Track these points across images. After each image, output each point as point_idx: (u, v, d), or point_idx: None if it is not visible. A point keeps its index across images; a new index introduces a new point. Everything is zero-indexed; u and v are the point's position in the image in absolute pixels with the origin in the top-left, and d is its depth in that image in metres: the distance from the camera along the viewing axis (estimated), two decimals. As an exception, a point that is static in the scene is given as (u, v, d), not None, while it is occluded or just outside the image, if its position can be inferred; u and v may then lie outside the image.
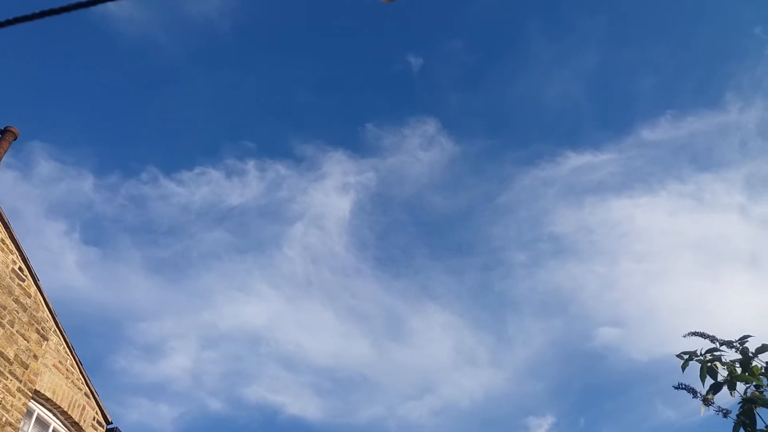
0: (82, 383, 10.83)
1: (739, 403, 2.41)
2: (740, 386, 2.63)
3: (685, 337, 2.76)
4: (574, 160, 34.16)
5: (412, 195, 37.15)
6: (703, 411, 2.44)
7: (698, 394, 2.49)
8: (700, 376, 2.86)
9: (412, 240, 37.39)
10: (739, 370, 2.74)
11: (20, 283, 9.73)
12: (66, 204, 34.38)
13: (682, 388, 2.47)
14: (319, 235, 36.64)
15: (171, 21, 33.06)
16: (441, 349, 36.65)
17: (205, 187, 35.47)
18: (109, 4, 2.27)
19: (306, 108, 36.08)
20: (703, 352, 2.70)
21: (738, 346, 2.69)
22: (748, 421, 2.29)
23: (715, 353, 2.87)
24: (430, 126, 35.24)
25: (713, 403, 2.45)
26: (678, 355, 2.94)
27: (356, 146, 38.04)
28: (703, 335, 2.74)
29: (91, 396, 10.98)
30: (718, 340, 2.71)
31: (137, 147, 37.05)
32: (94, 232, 35.51)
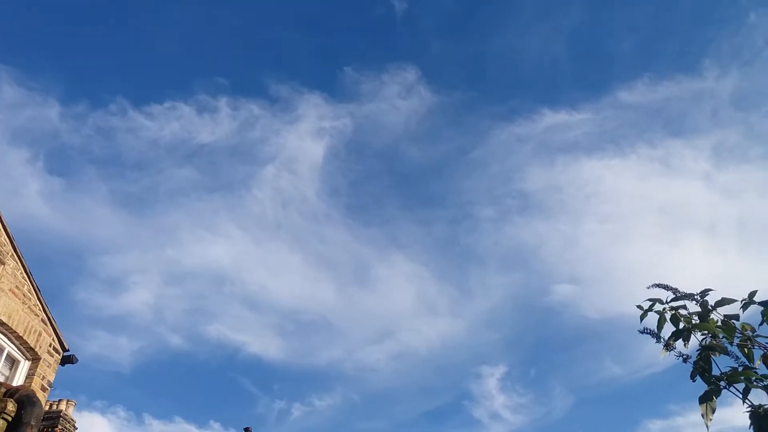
0: (40, 309, 10.72)
1: (697, 350, 2.51)
2: (698, 337, 2.73)
3: (648, 288, 2.84)
4: (550, 118, 34.15)
5: (388, 144, 36.85)
6: (663, 355, 2.54)
7: (661, 339, 2.58)
8: (658, 325, 2.97)
9: (384, 189, 37.30)
10: (696, 323, 2.84)
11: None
12: (30, 131, 33.22)
13: (647, 333, 2.56)
14: (290, 179, 36.23)
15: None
16: (404, 296, 37.06)
17: (175, 123, 34.60)
18: None
19: (283, 47, 35.16)
20: (667, 301, 2.78)
21: (698, 299, 2.77)
22: (706, 367, 2.39)
23: (674, 305, 2.97)
24: (410, 74, 34.70)
25: (675, 348, 2.54)
26: (638, 306, 3.03)
27: (333, 90, 37.32)
28: (666, 287, 2.82)
29: (48, 323, 10.89)
30: (680, 293, 2.80)
31: (107, 77, 35.77)
32: (59, 162, 34.52)
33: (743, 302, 2.68)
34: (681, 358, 2.43)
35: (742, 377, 2.29)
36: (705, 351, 2.41)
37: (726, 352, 2.39)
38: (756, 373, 2.33)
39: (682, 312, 2.93)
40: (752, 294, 2.66)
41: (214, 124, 33.60)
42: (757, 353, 2.57)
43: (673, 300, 2.78)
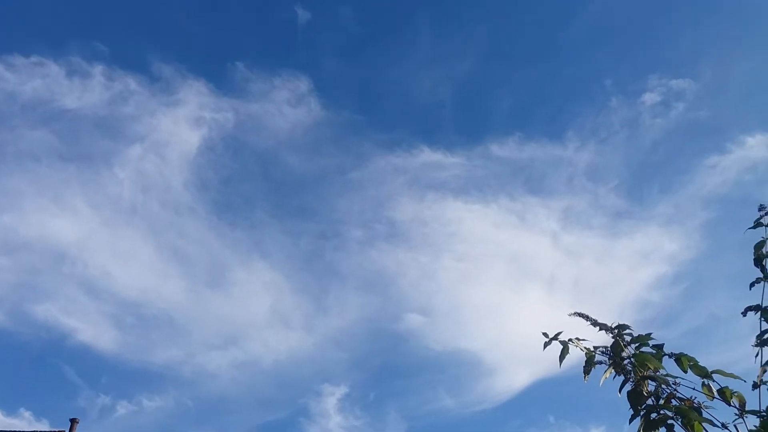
0: None
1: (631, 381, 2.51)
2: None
3: (570, 315, 2.83)
4: (427, 156, 35.29)
5: (268, 148, 36.11)
6: (586, 379, 2.56)
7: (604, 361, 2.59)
8: (560, 355, 2.98)
9: (257, 193, 36.38)
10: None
11: None
12: None
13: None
14: (157, 164, 34.34)
15: None
16: (258, 305, 36.14)
17: (39, 80, 31.76)
18: None
19: (176, 28, 33.59)
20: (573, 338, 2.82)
21: (614, 333, 2.79)
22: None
23: (579, 339, 3.00)
24: (303, 84, 34.37)
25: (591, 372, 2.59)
26: (544, 333, 3.03)
27: (221, 82, 36.03)
28: (586, 317, 2.82)
29: None
30: (599, 324, 2.81)
31: None
32: None
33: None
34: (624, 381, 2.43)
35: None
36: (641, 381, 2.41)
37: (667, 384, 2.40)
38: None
39: (587, 345, 2.96)
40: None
41: (83, 89, 31.19)
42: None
43: (599, 327, 2.78)
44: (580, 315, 2.84)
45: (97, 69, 32.58)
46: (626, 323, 2.84)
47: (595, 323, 2.82)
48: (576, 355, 3.06)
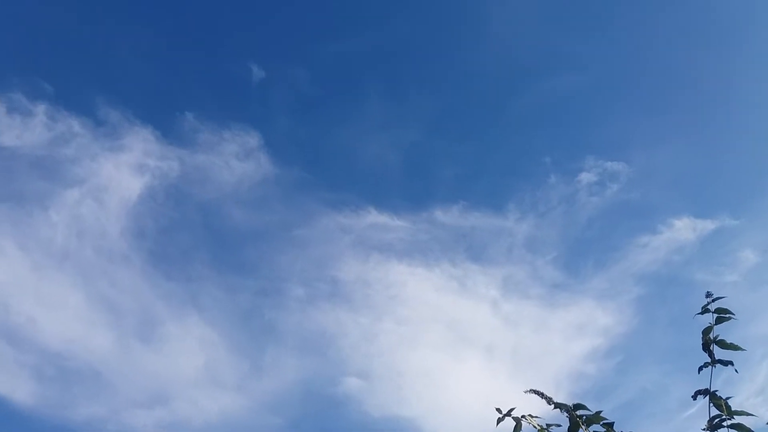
0: None
1: None
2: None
3: (526, 393, 2.84)
4: (374, 217, 35.53)
5: (212, 200, 35.52)
6: None
7: None
8: (514, 430, 3.00)
9: (196, 244, 35.49)
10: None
11: None
12: None
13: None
14: (94, 209, 33.35)
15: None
16: (190, 362, 34.81)
17: None
18: None
19: (127, 72, 33.24)
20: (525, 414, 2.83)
21: (569, 411, 2.82)
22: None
23: (532, 416, 3.01)
24: (253, 139, 34.31)
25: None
26: (497, 408, 3.03)
27: (168, 130, 35.53)
28: (541, 395, 2.84)
29: None
30: (553, 402, 2.83)
31: None
32: None
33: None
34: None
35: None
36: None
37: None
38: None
39: (540, 423, 2.98)
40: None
41: (23, 128, 30.24)
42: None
43: (555, 406, 2.80)
44: (536, 392, 2.86)
45: (40, 108, 31.72)
46: (581, 402, 2.88)
47: (550, 401, 2.84)
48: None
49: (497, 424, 3.01)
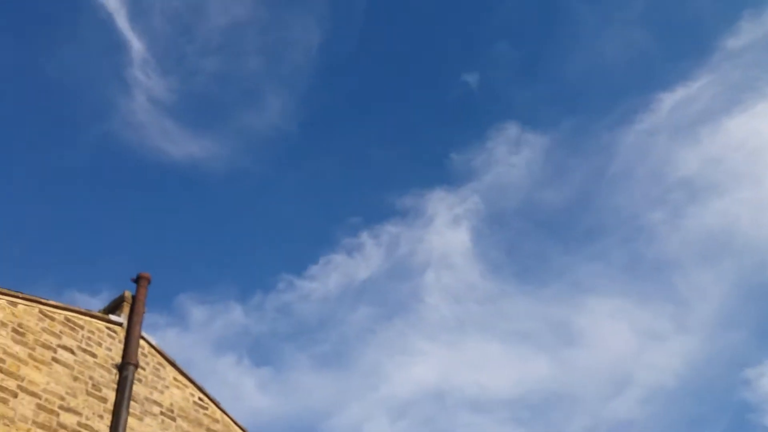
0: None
1: None
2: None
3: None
4: (669, 101, 32.42)
5: (522, 200, 35.44)
6: None
7: None
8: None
9: (540, 243, 35.18)
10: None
11: (204, 411, 8.99)
12: (227, 338, 32.26)
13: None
14: (451, 274, 34.58)
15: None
16: (618, 336, 33.55)
17: (334, 273, 33.50)
18: None
19: (384, 161, 34.93)
20: None
21: None
22: None
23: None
24: (511, 129, 34.09)
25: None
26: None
27: (449, 179, 36.38)
28: None
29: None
30: None
31: (267, 262, 35.26)
32: (260, 353, 33.30)
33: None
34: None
35: None
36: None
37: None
38: None
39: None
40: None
41: (365, 258, 33.42)
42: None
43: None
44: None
45: (363, 236, 35.22)
46: None
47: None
48: None
49: None
